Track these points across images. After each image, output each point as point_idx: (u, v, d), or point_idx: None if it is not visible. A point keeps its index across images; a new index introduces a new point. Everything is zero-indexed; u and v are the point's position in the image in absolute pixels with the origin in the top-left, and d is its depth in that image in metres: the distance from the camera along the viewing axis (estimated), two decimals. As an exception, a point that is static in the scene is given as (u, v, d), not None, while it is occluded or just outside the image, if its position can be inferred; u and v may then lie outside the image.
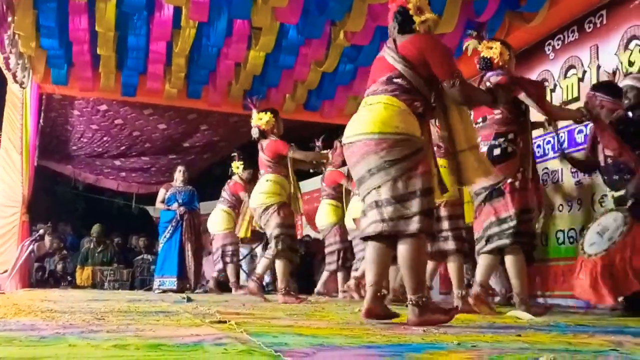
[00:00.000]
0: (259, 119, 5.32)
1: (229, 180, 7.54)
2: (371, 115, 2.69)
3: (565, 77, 5.44)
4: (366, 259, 2.78)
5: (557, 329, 2.55)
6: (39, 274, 8.92)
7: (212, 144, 10.65)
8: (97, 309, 3.38)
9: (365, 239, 2.73)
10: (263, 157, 5.25)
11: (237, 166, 7.56)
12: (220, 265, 7.52)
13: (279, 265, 5.00)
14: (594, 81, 5.07)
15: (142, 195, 12.33)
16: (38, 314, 2.85)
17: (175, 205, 7.33)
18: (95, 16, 5.89)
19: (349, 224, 6.21)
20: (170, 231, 7.32)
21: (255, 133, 5.32)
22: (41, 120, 7.81)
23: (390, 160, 2.58)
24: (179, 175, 7.62)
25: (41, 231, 8.52)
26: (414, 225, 2.54)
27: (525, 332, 2.33)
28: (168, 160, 10.93)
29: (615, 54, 4.89)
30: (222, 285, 7.80)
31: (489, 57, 3.78)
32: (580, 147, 5.01)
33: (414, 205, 2.56)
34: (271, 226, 4.99)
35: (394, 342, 1.89)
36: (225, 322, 2.46)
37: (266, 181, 5.12)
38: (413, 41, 2.84)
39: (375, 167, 2.61)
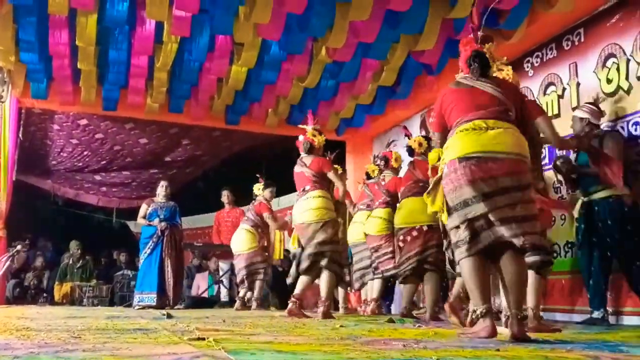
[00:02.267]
0: (313, 135, 5.30)
1: (253, 201, 7.47)
2: (511, 137, 2.83)
3: (544, 94, 5.51)
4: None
5: (535, 344, 2.56)
6: (16, 290, 8.77)
7: (194, 159, 10.62)
8: (74, 326, 3.33)
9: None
10: (308, 173, 5.18)
11: (258, 188, 7.50)
12: (245, 285, 7.41)
13: (326, 278, 5.01)
14: (574, 98, 5.15)
15: (122, 210, 12.23)
16: (13, 332, 2.80)
17: (156, 221, 7.26)
18: (76, 30, 5.86)
19: (352, 238, 6.21)
20: (151, 247, 7.24)
21: (306, 147, 5.27)
22: (20, 135, 7.72)
23: (525, 183, 2.80)
24: (161, 190, 7.56)
25: (18, 247, 8.38)
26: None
27: (504, 347, 2.33)
28: (149, 174, 10.86)
29: (593, 72, 4.97)
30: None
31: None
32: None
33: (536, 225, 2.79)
34: (320, 240, 4.98)
35: (374, 357, 1.88)
36: (203, 339, 2.43)
37: (317, 197, 5.09)
38: (507, 83, 3.24)
39: (519, 185, 2.78)
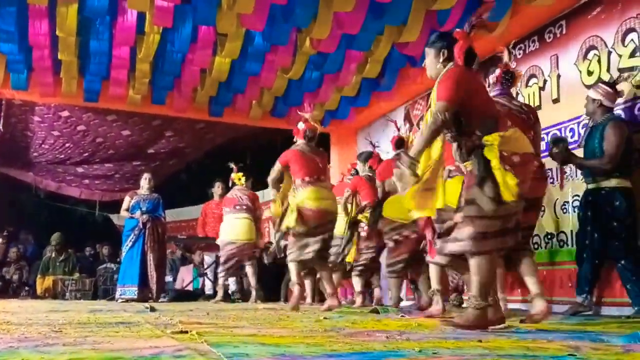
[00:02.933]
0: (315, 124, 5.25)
1: (243, 190, 7.38)
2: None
3: (527, 85, 5.54)
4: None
5: (517, 334, 2.58)
6: (-3, 284, 8.69)
7: (177, 151, 10.55)
8: (55, 320, 3.29)
9: None
10: (322, 164, 5.18)
11: (239, 177, 7.41)
12: (229, 275, 7.41)
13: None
14: (555, 90, 5.18)
15: (105, 203, 12.12)
16: (-7, 327, 2.76)
17: (138, 214, 7.21)
18: (57, 20, 5.77)
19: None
20: (133, 240, 7.19)
21: (310, 134, 5.17)
22: (0, 126, 7.61)
23: None
24: (144, 182, 7.50)
25: (-1, 240, 8.29)
26: None
27: (487, 338, 2.35)
28: (132, 167, 10.78)
29: (574, 64, 5.00)
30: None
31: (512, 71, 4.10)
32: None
33: None
34: (331, 234, 5.12)
35: (357, 349, 1.88)
36: (186, 332, 2.42)
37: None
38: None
39: None
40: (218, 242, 7.36)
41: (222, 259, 7.26)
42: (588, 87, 4.81)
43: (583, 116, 4.75)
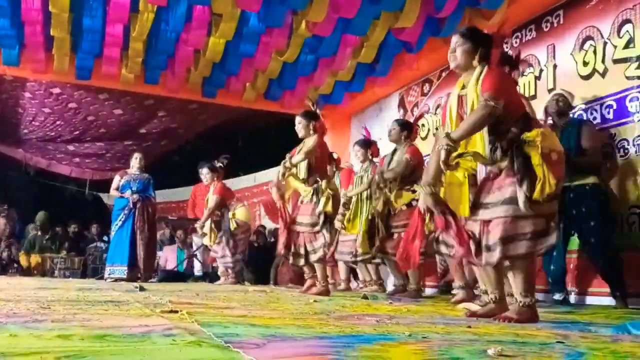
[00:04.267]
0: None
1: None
2: None
3: (522, 74, 5.53)
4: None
5: (505, 321, 2.60)
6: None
7: (169, 131, 10.48)
8: (44, 297, 3.28)
9: None
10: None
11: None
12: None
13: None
14: (551, 80, 5.18)
15: (96, 182, 12.06)
16: (-20, 302, 2.75)
17: (128, 193, 7.17)
18: (49, -4, 5.69)
19: None
20: (123, 219, 7.15)
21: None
22: (-9, 102, 7.54)
23: None
24: (135, 162, 7.45)
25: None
26: None
27: (476, 324, 2.36)
28: (124, 146, 10.71)
29: (570, 54, 5.00)
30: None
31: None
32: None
33: None
34: None
35: (346, 332, 1.89)
36: (176, 312, 2.42)
37: None
38: None
39: None
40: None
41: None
42: (584, 77, 4.82)
43: (578, 106, 4.77)
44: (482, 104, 2.72)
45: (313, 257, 4.70)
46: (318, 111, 5.03)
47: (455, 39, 3.01)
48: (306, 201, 4.78)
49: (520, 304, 2.67)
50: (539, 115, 4.51)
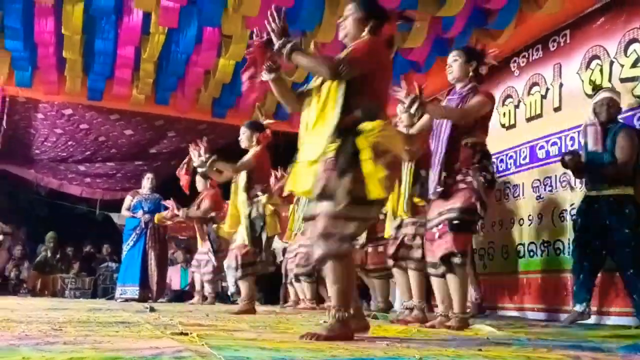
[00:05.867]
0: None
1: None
2: None
3: (529, 94, 5.55)
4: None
5: (517, 343, 2.58)
6: (-2, 281, 8.70)
7: (179, 151, 10.50)
8: (55, 318, 3.30)
9: None
10: None
11: None
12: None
13: None
14: (557, 99, 5.19)
15: (106, 202, 12.10)
16: (-7, 324, 2.77)
17: (140, 213, 7.22)
18: (62, 19, 5.79)
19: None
20: (134, 239, 7.20)
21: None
22: (4, 123, 7.63)
23: None
24: (146, 182, 7.52)
25: (0, 237, 8.30)
26: None
27: (486, 347, 2.35)
28: (134, 166, 10.77)
29: (577, 73, 5.01)
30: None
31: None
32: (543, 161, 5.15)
33: None
34: None
35: (357, 356, 1.88)
36: (186, 334, 2.42)
37: None
38: None
39: None
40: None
41: None
42: (590, 96, 4.82)
43: (583, 125, 4.76)
44: (332, 58, 2.54)
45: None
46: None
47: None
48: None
49: (334, 317, 2.40)
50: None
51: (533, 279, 5.20)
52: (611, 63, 4.67)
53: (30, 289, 8.93)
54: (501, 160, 5.78)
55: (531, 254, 5.26)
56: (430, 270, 3.56)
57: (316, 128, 2.54)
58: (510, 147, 5.67)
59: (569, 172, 4.55)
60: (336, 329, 2.38)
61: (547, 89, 5.33)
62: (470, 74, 3.44)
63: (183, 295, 8.27)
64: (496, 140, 5.86)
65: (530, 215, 5.32)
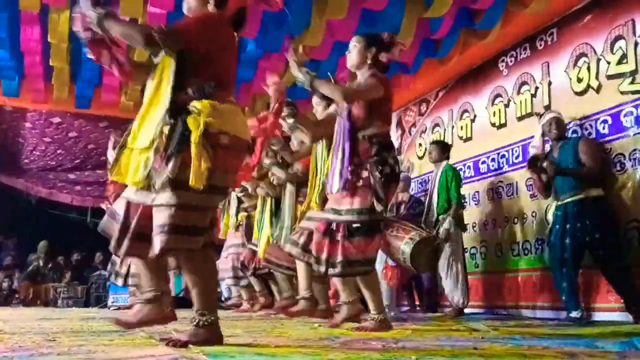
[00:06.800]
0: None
1: None
2: None
3: (519, 93, 5.58)
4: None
5: (512, 341, 2.59)
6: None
7: (169, 157, 10.51)
8: (48, 329, 3.28)
9: None
10: None
11: None
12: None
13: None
14: (546, 97, 5.22)
15: (97, 210, 12.03)
16: (-15, 336, 2.74)
17: (131, 220, 7.17)
18: (48, 27, 5.75)
19: None
20: (126, 246, 7.15)
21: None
22: (-9, 133, 7.58)
23: None
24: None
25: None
26: None
27: (482, 345, 2.36)
28: (124, 173, 10.72)
29: (565, 71, 5.04)
30: None
31: None
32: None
33: None
34: None
35: (353, 358, 1.88)
36: (181, 341, 2.40)
37: None
38: None
39: None
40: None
41: None
42: (578, 93, 4.87)
43: (573, 122, 4.81)
44: (152, 27, 2.34)
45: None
46: None
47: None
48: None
49: (197, 322, 2.25)
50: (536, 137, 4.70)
51: (527, 277, 5.22)
52: (598, 60, 4.71)
53: (22, 299, 8.85)
54: (493, 160, 5.81)
55: (525, 252, 5.28)
56: (315, 267, 3.34)
57: (149, 112, 2.39)
58: (502, 146, 5.70)
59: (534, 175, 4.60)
60: (199, 335, 2.23)
61: (537, 88, 5.36)
62: (369, 60, 3.31)
63: (180, 302, 8.20)
64: (487, 140, 5.90)
65: (524, 213, 5.35)
